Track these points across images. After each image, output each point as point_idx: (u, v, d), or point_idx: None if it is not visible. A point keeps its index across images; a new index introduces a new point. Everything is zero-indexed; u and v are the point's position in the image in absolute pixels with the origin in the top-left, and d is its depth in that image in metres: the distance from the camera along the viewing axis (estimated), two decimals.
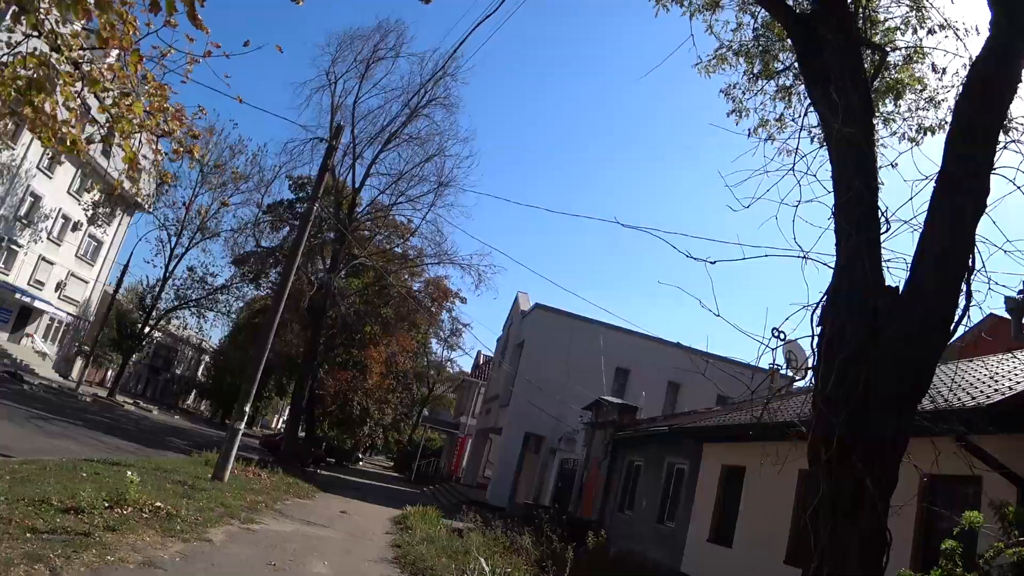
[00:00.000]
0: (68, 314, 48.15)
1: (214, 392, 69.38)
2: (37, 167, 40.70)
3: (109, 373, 58.90)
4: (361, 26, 30.94)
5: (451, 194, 32.99)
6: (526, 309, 34.74)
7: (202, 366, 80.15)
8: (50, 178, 42.35)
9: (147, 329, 46.56)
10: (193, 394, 78.12)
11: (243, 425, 16.69)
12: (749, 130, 10.97)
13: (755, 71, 10.35)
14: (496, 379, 37.06)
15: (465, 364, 60.14)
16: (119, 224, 51.47)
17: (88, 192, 45.37)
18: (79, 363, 51.61)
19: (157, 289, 45.84)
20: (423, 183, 33.01)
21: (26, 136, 38.79)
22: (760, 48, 10.28)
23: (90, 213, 44.48)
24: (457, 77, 32.90)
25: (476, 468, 41.22)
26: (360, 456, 53.10)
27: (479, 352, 54.54)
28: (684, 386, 31.65)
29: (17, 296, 40.64)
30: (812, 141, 8.85)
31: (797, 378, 21.97)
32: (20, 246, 40.67)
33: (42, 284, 43.80)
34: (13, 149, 37.71)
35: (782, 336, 19.18)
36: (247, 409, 16.89)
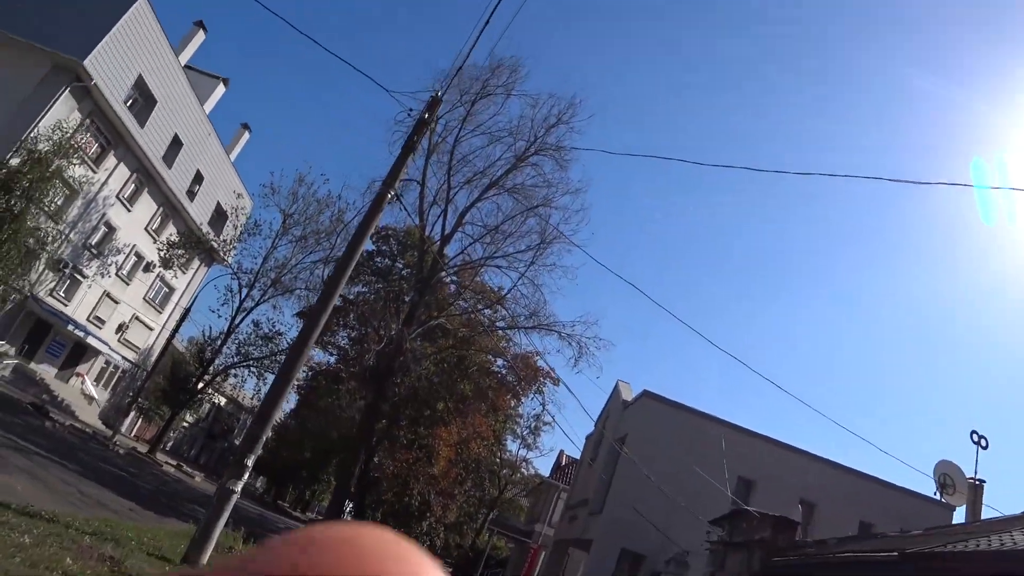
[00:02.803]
0: (126, 359, 44.76)
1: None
2: (117, 196, 38.10)
3: None
4: (473, 62, 26.66)
5: (555, 253, 28.01)
6: (629, 399, 28.99)
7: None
8: (129, 210, 39.82)
9: (201, 385, 42.46)
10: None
11: (241, 485, 11.43)
12: None
13: None
14: (585, 481, 30.96)
15: (542, 467, 54.05)
16: (195, 273, 48.64)
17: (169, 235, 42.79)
18: (131, 415, 48.01)
19: (219, 342, 41.83)
20: (522, 239, 28.27)
21: (110, 160, 36.43)
22: None
23: (165, 254, 41.12)
24: (574, 127, 28.54)
25: None
26: None
27: (562, 451, 48.61)
28: (819, 507, 25.30)
29: (72, 330, 37.29)
30: None
31: (955, 506, 14.61)
32: (85, 277, 37.70)
33: (102, 322, 40.65)
34: (95, 172, 35.07)
35: (984, 442, 11.78)
36: (249, 463, 11.67)
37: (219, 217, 47.89)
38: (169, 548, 11.35)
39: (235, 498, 11.27)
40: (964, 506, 23.26)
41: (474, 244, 29.14)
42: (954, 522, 24.41)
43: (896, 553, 9.90)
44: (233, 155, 50.05)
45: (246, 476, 11.65)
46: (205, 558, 10.70)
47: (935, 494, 23.79)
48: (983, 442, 19.48)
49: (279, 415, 65.60)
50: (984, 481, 18.74)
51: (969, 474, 20.52)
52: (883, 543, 13.20)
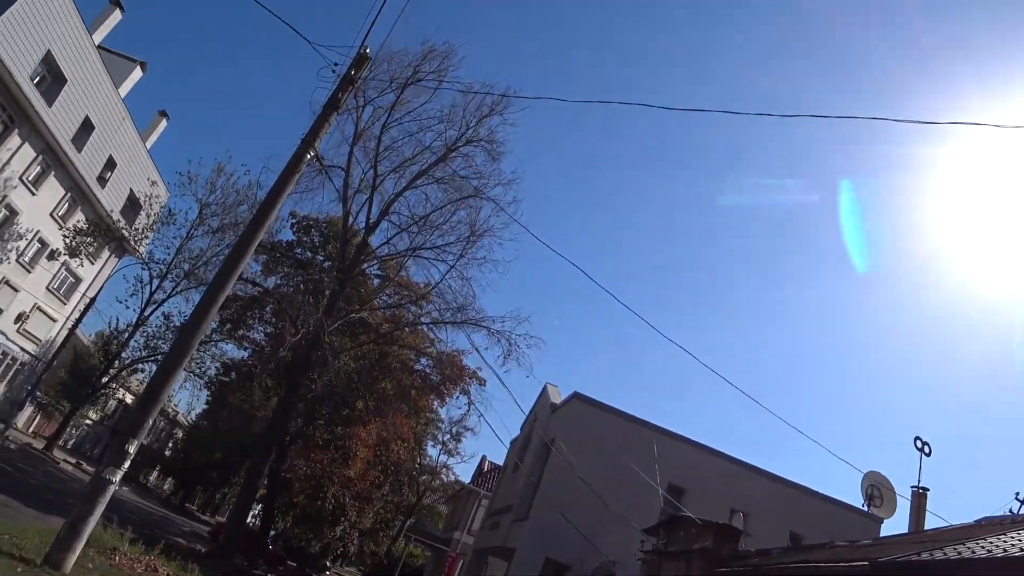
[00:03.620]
0: (25, 351, 41.98)
1: (177, 468, 61.75)
2: (20, 178, 35.65)
3: None
4: (404, 48, 25.69)
5: (485, 246, 27.22)
6: (558, 402, 28.37)
7: (172, 440, 72.84)
8: (34, 194, 37.30)
9: (105, 379, 40.04)
10: (157, 469, 70.41)
11: (120, 475, 10.07)
12: None
13: None
14: (509, 487, 30.15)
15: (463, 473, 53.21)
16: (104, 263, 46.10)
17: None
18: (29, 410, 45.19)
19: (126, 335, 39.60)
20: (452, 231, 27.44)
21: (14, 140, 34.08)
22: None
23: (71, 241, 38.74)
24: (507, 118, 27.81)
25: None
26: (328, 564, 45.12)
27: (484, 457, 47.85)
28: (750, 517, 25.01)
29: None
30: None
31: (882, 517, 14.28)
32: None
33: (0, 311, 38.00)
34: None
35: (927, 449, 11.42)
36: (131, 450, 10.28)
37: (132, 206, 45.59)
38: (34, 547, 10.00)
39: (113, 489, 9.95)
40: (891, 518, 23.20)
41: (400, 234, 28.09)
42: (882, 534, 24.39)
43: (867, 563, 9.37)
44: (149, 142, 47.73)
45: (127, 465, 10.27)
46: (72, 559, 9.41)
47: (863, 506, 23.63)
48: (926, 449, 19.32)
49: (191, 416, 63.07)
50: (928, 489, 18.49)
51: (912, 482, 20.22)
52: (833, 554, 12.77)
